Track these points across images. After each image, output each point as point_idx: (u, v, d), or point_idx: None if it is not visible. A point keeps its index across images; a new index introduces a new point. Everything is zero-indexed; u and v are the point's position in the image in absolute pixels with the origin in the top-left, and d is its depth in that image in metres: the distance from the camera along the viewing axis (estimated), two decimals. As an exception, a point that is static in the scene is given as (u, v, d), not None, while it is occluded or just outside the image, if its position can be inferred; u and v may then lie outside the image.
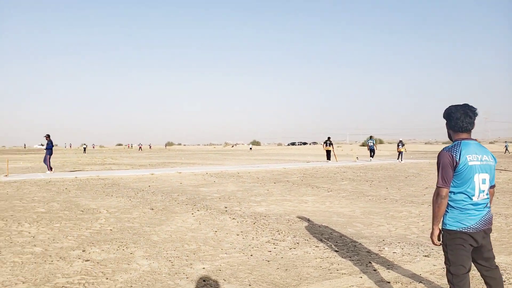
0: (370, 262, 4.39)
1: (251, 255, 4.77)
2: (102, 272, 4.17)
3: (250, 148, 76.64)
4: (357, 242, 5.33)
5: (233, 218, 6.99)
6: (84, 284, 3.84)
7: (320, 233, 5.89)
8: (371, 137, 27.16)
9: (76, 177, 14.43)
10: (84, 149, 61.94)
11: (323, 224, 6.49)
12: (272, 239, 5.55)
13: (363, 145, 66.57)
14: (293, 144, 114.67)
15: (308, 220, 6.83)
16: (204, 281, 3.91)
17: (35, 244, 5.30)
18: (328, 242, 5.34)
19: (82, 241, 5.44)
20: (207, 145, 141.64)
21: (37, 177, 14.59)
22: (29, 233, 5.92)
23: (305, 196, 9.73)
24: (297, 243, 5.31)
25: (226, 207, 8.15)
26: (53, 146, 17.07)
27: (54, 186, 11.89)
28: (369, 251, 4.86)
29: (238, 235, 5.80)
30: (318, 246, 5.12)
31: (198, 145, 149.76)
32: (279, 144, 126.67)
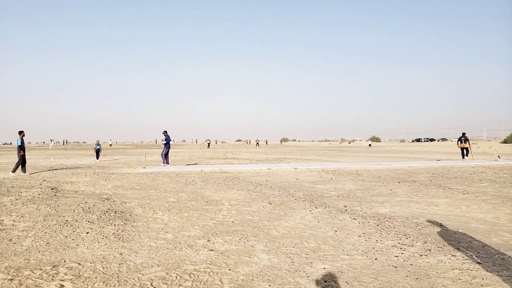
0: (526, 282, 3.65)
1: (376, 259, 4.42)
2: (225, 263, 4.34)
3: (370, 145, 72.47)
4: (505, 254, 4.51)
5: (354, 218, 6.65)
6: (209, 273, 4.03)
7: (457, 240, 5.17)
8: None
9: (201, 170, 15.66)
10: (208, 144, 67.28)
11: (459, 231, 5.70)
12: (399, 243, 5.07)
13: (504, 141, 57.67)
14: (418, 140, 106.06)
15: (441, 225, 6.08)
16: (325, 281, 3.75)
17: (167, 231, 5.82)
18: (467, 251, 4.65)
19: (207, 231, 5.78)
20: (322, 141, 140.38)
21: (169, 169, 16.26)
22: (162, 220, 6.55)
23: (436, 198, 8.76)
24: (429, 250, 4.74)
25: (345, 206, 7.82)
26: (170, 141, 18.70)
27: (182, 178, 13.07)
28: (523, 268, 4.06)
29: (360, 236, 5.47)
30: (455, 256, 4.49)
31: (313, 141, 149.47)
32: (402, 141, 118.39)
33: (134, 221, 6.42)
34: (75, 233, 5.63)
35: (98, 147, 25.36)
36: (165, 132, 18.75)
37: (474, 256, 4.45)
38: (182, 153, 36.28)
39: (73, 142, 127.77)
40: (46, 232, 5.63)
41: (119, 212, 7.12)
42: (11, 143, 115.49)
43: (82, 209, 7.36)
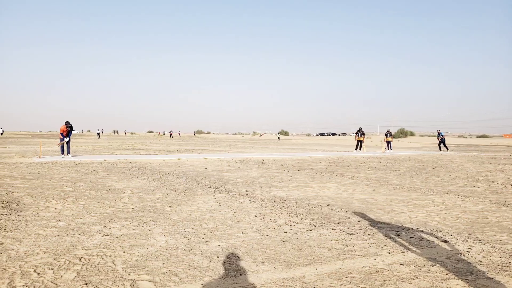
0: (385, 245, 4.31)
1: (267, 235, 4.78)
2: (120, 246, 4.31)
3: (278, 138, 75.86)
4: (374, 226, 5.23)
5: (253, 201, 7.03)
6: (102, 256, 3.97)
7: (339, 217, 5.82)
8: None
9: (104, 160, 14.91)
10: (98, 134, 64.19)
11: (342, 209, 6.41)
12: (290, 221, 5.54)
13: (394, 136, 64.94)
14: (322, 134, 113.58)
15: (328, 205, 6.76)
16: (218, 257, 3.96)
17: (60, 219, 5.53)
18: (345, 225, 5.28)
19: (104, 218, 5.63)
20: (236, 134, 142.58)
21: (68, 159, 15.17)
22: (55, 209, 6.18)
23: (328, 183, 9.63)
24: (314, 225, 5.28)
25: (247, 191, 8.20)
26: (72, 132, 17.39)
27: (83, 167, 12.33)
28: (386, 235, 4.76)
29: (256, 216, 5.83)
30: (334, 229, 5.07)
31: (227, 133, 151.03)
32: (308, 135, 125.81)
33: (21, 211, 5.95)
34: None
35: None
36: (68, 122, 17.35)
37: (349, 229, 5.08)
38: (85, 144, 33.89)
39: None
40: None
41: (4, 202, 6.52)
42: None
43: (-43, 200, 6.57)
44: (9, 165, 12.56)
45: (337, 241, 4.53)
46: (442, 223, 5.54)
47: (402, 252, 4.08)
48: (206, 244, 4.40)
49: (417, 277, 3.39)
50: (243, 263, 3.78)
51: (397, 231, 4.97)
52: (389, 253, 4.04)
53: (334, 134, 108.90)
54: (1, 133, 69.75)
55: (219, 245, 4.37)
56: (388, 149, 25.49)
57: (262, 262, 3.81)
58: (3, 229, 4.91)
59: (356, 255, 4.00)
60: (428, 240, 4.55)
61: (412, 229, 5.13)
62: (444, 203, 7.08)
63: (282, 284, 3.29)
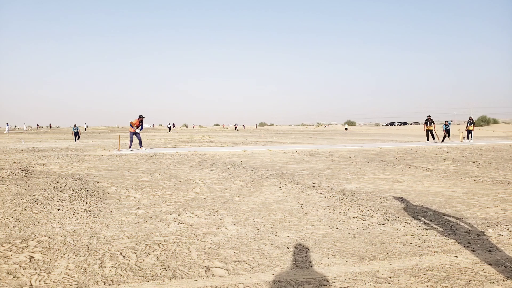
0: (468, 243, 3.99)
1: (337, 228, 4.69)
2: (194, 234, 4.50)
3: (346, 128, 72.61)
4: (455, 222, 4.87)
5: (321, 193, 6.93)
6: (178, 243, 4.19)
7: (413, 211, 5.52)
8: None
9: (176, 152, 15.68)
10: (169, 128, 67.36)
11: (417, 203, 6.07)
12: (360, 214, 5.37)
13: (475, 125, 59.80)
14: (392, 124, 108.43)
15: (401, 199, 6.44)
16: (287, 248, 3.97)
17: (139, 207, 5.92)
18: (421, 220, 4.99)
19: (178, 207, 5.93)
20: (299, 125, 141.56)
21: (143, 151, 16.19)
22: (135, 198, 6.64)
23: (400, 176, 9.18)
24: (387, 219, 5.06)
25: (314, 183, 8.11)
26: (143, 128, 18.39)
27: (157, 159, 13.09)
28: (468, 232, 4.41)
29: (324, 209, 5.75)
30: (409, 224, 4.81)
31: (290, 125, 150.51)
32: (376, 125, 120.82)
33: (106, 199, 6.48)
34: (46, 210, 5.66)
35: (76, 129, 26.84)
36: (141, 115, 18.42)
37: (426, 224, 4.79)
38: (158, 137, 35.96)
39: (45, 127, 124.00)
40: (15, 210, 5.63)
41: (91, 191, 7.15)
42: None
43: (53, 188, 7.34)
44: (93, 158, 13.75)
45: (412, 236, 4.30)
46: (534, 220, 5.00)
47: (489, 250, 3.75)
48: (275, 235, 4.44)
49: (508, 278, 3.10)
50: (313, 255, 3.75)
51: (482, 227, 4.58)
52: (474, 251, 3.73)
53: (405, 124, 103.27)
54: (85, 129, 76.59)
55: (288, 236, 4.38)
56: (468, 138, 23.61)
57: (333, 255, 3.75)
58: (92, 215, 5.39)
59: (435, 251, 3.76)
60: (519, 239, 4.13)
61: (500, 225, 4.69)
62: (536, 198, 6.38)
63: (355, 278, 3.20)
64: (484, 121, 61.19)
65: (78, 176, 8.97)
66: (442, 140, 23.34)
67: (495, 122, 62.79)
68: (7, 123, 62.61)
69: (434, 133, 23.60)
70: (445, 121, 24.16)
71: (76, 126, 27.30)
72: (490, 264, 3.39)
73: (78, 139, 27.25)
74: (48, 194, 6.79)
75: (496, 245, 3.93)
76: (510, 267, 3.33)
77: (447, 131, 23.77)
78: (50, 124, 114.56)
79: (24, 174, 9.13)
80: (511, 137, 30.47)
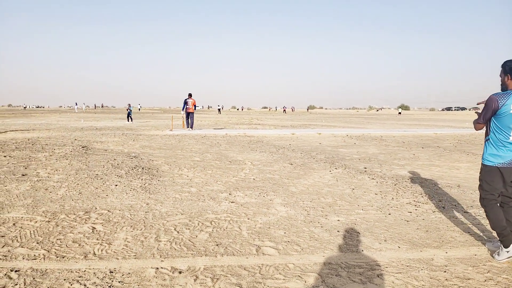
0: (535, 236, 3.73)
1: (389, 214, 4.58)
2: (244, 213, 4.61)
3: (399, 113, 69.07)
4: (520, 213, 4.57)
5: (373, 179, 6.77)
6: (229, 221, 4.31)
7: (472, 199, 5.24)
8: None
9: (226, 134, 15.97)
10: (219, 110, 68.13)
11: (476, 192, 5.74)
12: (414, 201, 5.19)
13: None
14: (448, 109, 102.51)
15: (458, 186, 6.13)
16: (338, 231, 3.95)
17: (192, 185, 6.14)
18: (480, 209, 4.72)
19: (229, 186, 6.07)
20: (350, 109, 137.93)
21: (195, 132, 16.66)
22: (187, 176, 6.88)
23: (457, 163, 8.71)
24: (443, 207, 4.85)
25: (365, 168, 7.92)
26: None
27: (208, 140, 13.42)
28: (535, 224, 4.12)
29: (376, 194, 5.61)
30: (467, 212, 4.58)
31: (340, 109, 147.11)
32: (432, 109, 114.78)
33: (160, 177, 6.79)
34: (105, 185, 6.04)
35: (130, 109, 28.14)
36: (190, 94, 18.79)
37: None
38: (208, 119, 36.77)
39: (103, 107, 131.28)
40: (78, 184, 6.07)
41: (146, 169, 7.51)
42: (47, 107, 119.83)
43: (111, 165, 7.80)
44: (148, 137, 14.38)
45: (470, 225, 4.09)
46: None
47: (558, 244, 3.49)
48: (326, 218, 4.42)
49: None
50: (364, 240, 3.70)
51: (550, 220, 4.26)
52: (540, 244, 3.49)
53: (463, 109, 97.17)
54: (139, 109, 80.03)
55: (338, 220, 4.35)
56: None
57: (385, 240, 3.67)
58: (148, 191, 5.68)
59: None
60: None
61: None
62: None
63: (408, 264, 3.13)
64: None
65: (133, 154, 9.44)
66: None
67: None
68: (76, 103, 67.10)
69: None
70: None
71: (130, 106, 28.52)
72: (560, 259, 3.15)
73: (130, 120, 27.76)
74: (107, 170, 7.23)
75: None
76: None
77: None
78: (102, 104, 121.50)
79: (84, 151, 9.77)
80: None
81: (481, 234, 3.84)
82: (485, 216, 4.37)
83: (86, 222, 4.24)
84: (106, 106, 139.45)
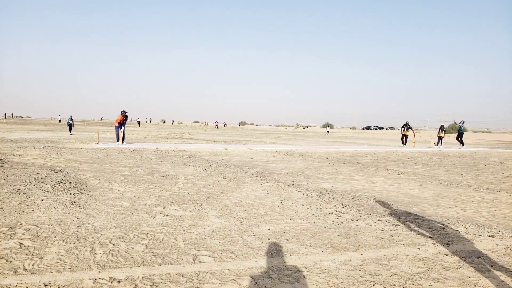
0: (430, 237, 4.43)
1: (314, 223, 5.05)
2: (180, 225, 4.76)
3: (327, 131, 67.38)
4: (420, 219, 5.33)
5: (299, 191, 7.30)
6: (165, 233, 4.44)
7: (384, 209, 5.96)
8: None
9: (157, 148, 15.77)
10: (138, 123, 67.10)
11: (388, 202, 6.52)
12: (336, 211, 5.76)
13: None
14: (368, 128, 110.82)
15: (374, 198, 6.89)
16: (269, 239, 4.30)
17: (124, 200, 6.12)
18: (390, 217, 5.42)
19: (163, 200, 6.16)
20: (279, 126, 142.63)
21: (123, 146, 16.19)
22: (118, 191, 6.81)
23: (374, 177, 9.68)
24: (360, 216, 5.47)
25: (293, 181, 8.48)
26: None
27: (137, 154, 13.18)
28: (431, 228, 4.87)
29: (303, 205, 6.11)
30: (380, 220, 5.24)
31: (270, 125, 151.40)
32: (353, 128, 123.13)
33: (90, 191, 6.63)
34: (29, 200, 5.77)
35: (70, 121, 28.38)
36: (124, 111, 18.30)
37: (395, 220, 5.22)
38: (136, 132, 35.67)
39: (16, 117, 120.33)
40: None
41: (74, 183, 7.27)
42: None
43: (34, 179, 7.41)
44: (72, 150, 13.69)
45: (382, 231, 4.71)
46: (490, 220, 5.51)
47: (447, 243, 4.20)
48: (257, 227, 4.75)
49: (460, 267, 3.53)
50: (292, 246, 4.08)
51: (443, 224, 5.05)
52: (434, 244, 4.17)
53: (381, 128, 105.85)
54: (60, 120, 74.80)
55: (269, 229, 4.70)
56: (438, 144, 24.65)
57: (310, 246, 4.09)
58: (78, 206, 5.56)
59: (401, 244, 4.18)
60: (474, 234, 4.61)
61: (458, 223, 5.17)
62: (494, 200, 6.96)
63: (330, 265, 3.55)
64: (454, 129, 63.66)
65: (58, 168, 9.02)
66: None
67: (464, 130, 65.21)
68: None
69: (412, 139, 24.53)
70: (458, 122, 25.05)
71: (72, 118, 28.70)
72: (447, 255, 3.82)
73: (71, 131, 28.62)
74: (30, 184, 6.87)
75: (454, 239, 4.39)
76: (463, 257, 3.77)
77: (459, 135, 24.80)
78: (12, 114, 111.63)
79: (0, 165, 9.10)
80: (476, 144, 31.98)
81: (390, 238, 4.44)
82: (394, 224, 5.05)
83: (12, 237, 4.08)
84: (20, 117, 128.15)
